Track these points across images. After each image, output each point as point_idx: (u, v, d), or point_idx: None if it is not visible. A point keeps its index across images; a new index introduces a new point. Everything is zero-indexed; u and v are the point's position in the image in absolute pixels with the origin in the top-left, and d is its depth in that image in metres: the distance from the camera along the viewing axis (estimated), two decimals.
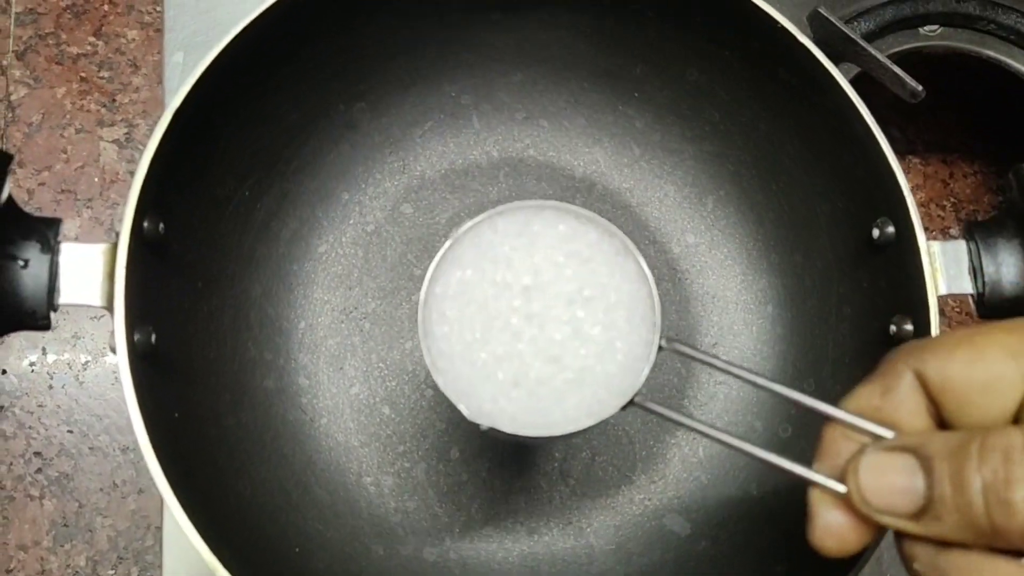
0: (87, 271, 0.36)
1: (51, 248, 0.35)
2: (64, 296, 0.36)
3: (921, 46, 0.59)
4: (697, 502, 0.45)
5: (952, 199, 0.65)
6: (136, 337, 0.36)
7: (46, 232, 0.35)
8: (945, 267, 0.40)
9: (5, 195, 0.34)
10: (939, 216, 0.64)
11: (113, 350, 0.35)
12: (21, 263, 0.34)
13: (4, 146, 0.62)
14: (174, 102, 0.37)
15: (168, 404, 0.38)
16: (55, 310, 0.36)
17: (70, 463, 0.57)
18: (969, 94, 0.64)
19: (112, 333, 0.35)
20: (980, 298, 0.40)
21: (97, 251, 0.36)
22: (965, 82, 0.62)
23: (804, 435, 0.44)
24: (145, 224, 0.37)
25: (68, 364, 0.59)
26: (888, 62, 0.51)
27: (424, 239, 0.49)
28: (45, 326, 0.35)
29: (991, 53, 0.59)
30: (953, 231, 0.63)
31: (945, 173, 0.65)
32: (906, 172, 0.40)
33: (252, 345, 0.45)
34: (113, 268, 0.35)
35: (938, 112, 0.64)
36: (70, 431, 0.58)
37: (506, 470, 0.46)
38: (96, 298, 0.36)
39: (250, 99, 0.42)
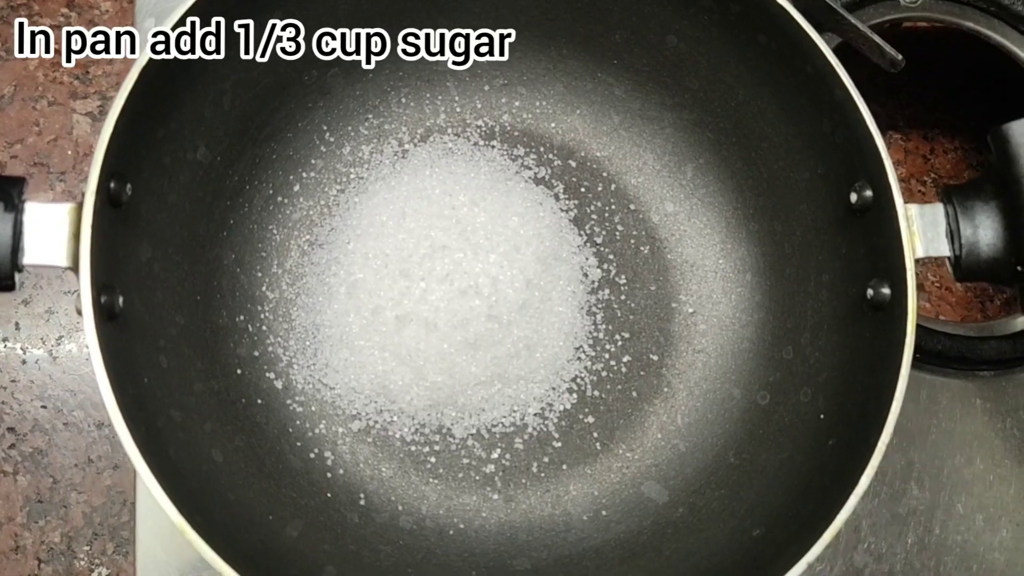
0: (52, 231, 0.35)
1: (15, 207, 0.34)
2: (28, 256, 0.35)
3: (901, 17, 0.59)
4: (675, 469, 0.45)
5: (933, 174, 0.65)
6: (103, 299, 0.35)
7: (9, 190, 0.34)
8: (923, 230, 0.40)
9: None
10: (920, 192, 0.64)
11: (79, 311, 0.35)
12: None
13: None
14: (140, 60, 0.36)
15: (137, 370, 0.38)
16: (20, 270, 0.35)
17: (44, 439, 0.57)
18: (950, 69, 0.64)
19: (78, 295, 0.35)
20: (957, 261, 0.40)
21: (62, 211, 0.35)
22: (946, 57, 0.62)
23: (782, 402, 0.44)
24: (112, 185, 0.36)
25: (41, 339, 0.58)
26: (868, 31, 0.51)
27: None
28: (9, 287, 0.35)
29: (971, 25, 0.59)
30: None
31: (926, 148, 0.65)
32: (887, 147, 0.40)
33: (225, 312, 0.44)
34: (79, 228, 0.34)
35: (919, 87, 0.64)
36: (44, 406, 0.57)
37: (483, 437, 0.46)
38: (61, 258, 0.35)
39: (219, 61, 0.42)
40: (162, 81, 0.38)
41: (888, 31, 0.58)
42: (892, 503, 0.50)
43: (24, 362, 0.58)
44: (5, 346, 0.58)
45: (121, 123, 0.36)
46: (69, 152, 0.61)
